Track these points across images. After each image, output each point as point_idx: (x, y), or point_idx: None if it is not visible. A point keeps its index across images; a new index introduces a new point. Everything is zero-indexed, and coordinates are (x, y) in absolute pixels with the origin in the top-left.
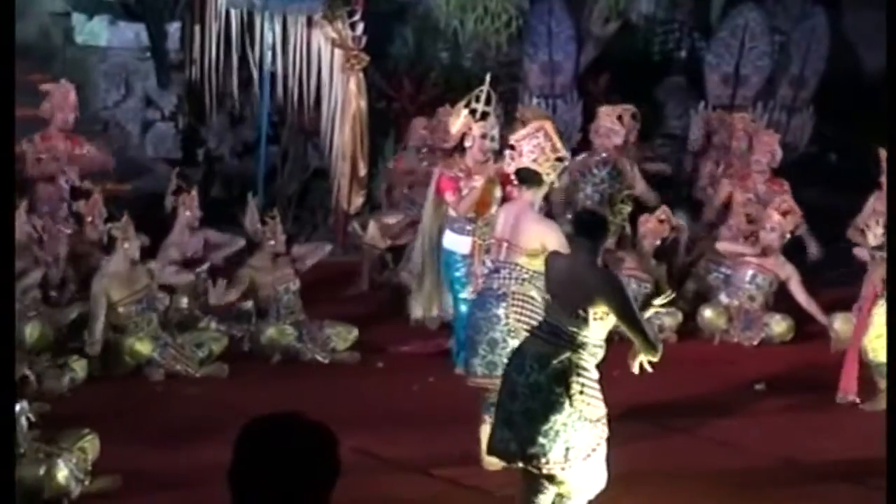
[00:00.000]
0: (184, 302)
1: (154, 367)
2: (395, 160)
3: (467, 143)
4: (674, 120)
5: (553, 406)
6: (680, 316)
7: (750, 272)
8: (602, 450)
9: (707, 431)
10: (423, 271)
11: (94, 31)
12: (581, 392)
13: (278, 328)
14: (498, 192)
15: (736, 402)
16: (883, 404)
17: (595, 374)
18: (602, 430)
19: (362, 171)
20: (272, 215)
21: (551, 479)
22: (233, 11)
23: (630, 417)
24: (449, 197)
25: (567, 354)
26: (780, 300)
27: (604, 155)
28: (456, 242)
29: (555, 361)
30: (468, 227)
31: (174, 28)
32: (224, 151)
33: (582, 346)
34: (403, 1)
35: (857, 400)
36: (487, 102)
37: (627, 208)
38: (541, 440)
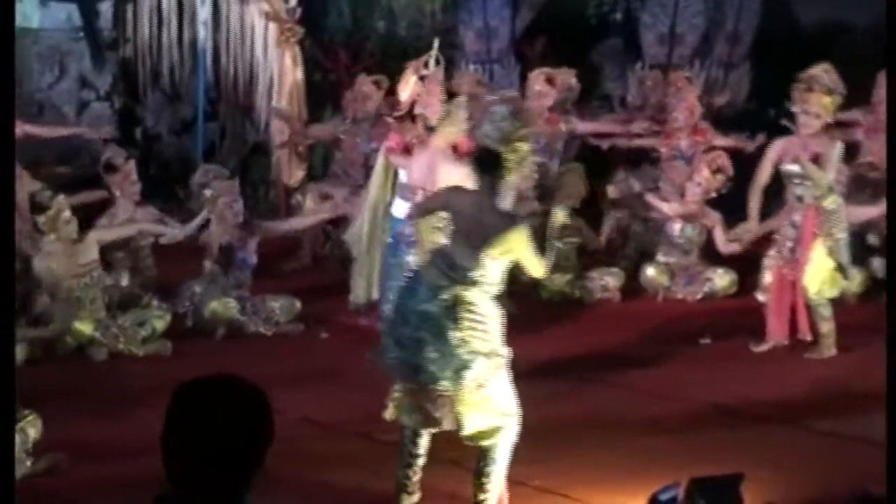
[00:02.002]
0: (124, 279)
1: (97, 347)
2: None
3: (417, 110)
4: (611, 82)
5: (441, 337)
6: (623, 275)
7: (678, 226)
8: (500, 385)
9: (647, 384)
10: (368, 246)
11: (26, 13)
12: (471, 327)
13: (221, 301)
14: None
15: (677, 355)
16: (827, 351)
17: (489, 310)
18: (497, 364)
19: (301, 145)
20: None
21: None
22: None
23: (570, 373)
24: (394, 157)
25: (458, 290)
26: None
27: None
28: (405, 209)
29: (445, 295)
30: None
31: (106, 7)
32: (162, 130)
33: (475, 283)
34: None
35: (787, 342)
36: (437, 64)
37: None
38: (430, 367)
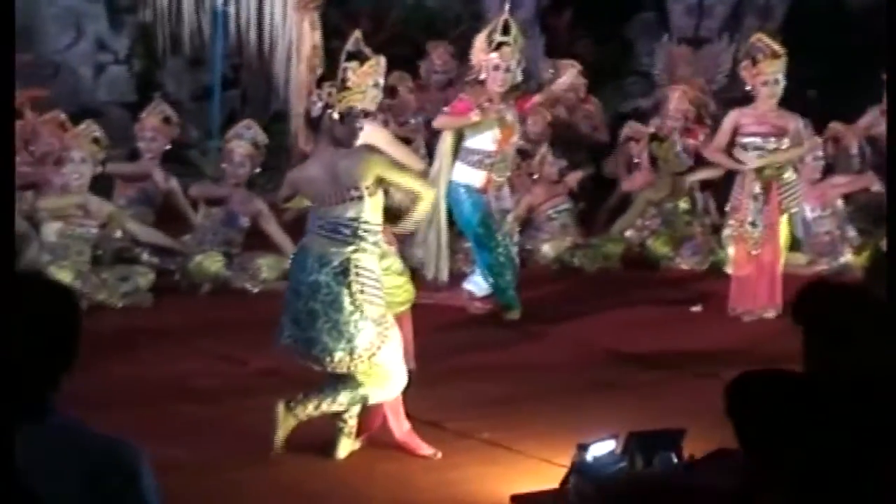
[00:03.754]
0: (117, 233)
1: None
2: None
3: (482, 76)
4: (644, 57)
5: (333, 305)
6: (623, 243)
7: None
8: (391, 348)
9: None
10: (432, 219)
11: None
12: (361, 291)
13: (208, 255)
14: (517, 125)
15: (652, 320)
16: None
17: (377, 273)
18: (385, 329)
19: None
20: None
21: (343, 377)
22: None
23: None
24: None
25: (346, 253)
26: None
27: None
28: (468, 175)
29: (334, 262)
30: (487, 161)
31: None
32: (183, 96)
33: (362, 237)
34: None
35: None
36: (505, 32)
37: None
38: (324, 339)
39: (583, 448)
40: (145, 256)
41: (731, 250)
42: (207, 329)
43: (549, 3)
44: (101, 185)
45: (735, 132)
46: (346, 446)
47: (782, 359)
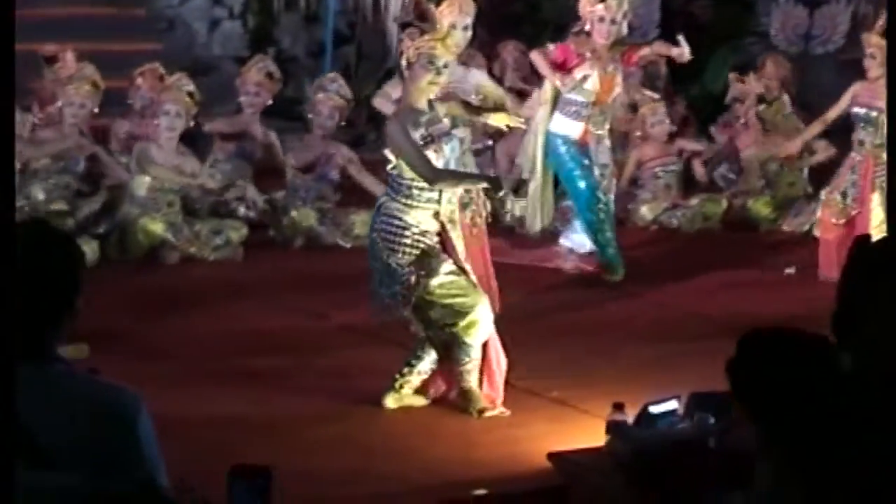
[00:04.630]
0: (212, 182)
1: (168, 249)
2: None
3: (587, 28)
4: (764, 17)
5: (380, 254)
6: (724, 203)
7: None
8: (446, 281)
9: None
10: (539, 170)
11: None
12: (403, 237)
13: (300, 211)
14: (619, 78)
15: (744, 282)
16: None
17: (406, 222)
18: (441, 261)
19: None
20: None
21: (426, 322)
22: None
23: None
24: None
25: (384, 199)
26: None
27: None
28: (566, 126)
29: (378, 214)
30: (584, 112)
31: None
32: (298, 52)
33: (400, 189)
34: None
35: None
36: None
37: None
38: (384, 289)
39: (618, 407)
40: (242, 210)
41: (818, 213)
42: (294, 284)
43: None
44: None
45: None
46: (395, 399)
47: None
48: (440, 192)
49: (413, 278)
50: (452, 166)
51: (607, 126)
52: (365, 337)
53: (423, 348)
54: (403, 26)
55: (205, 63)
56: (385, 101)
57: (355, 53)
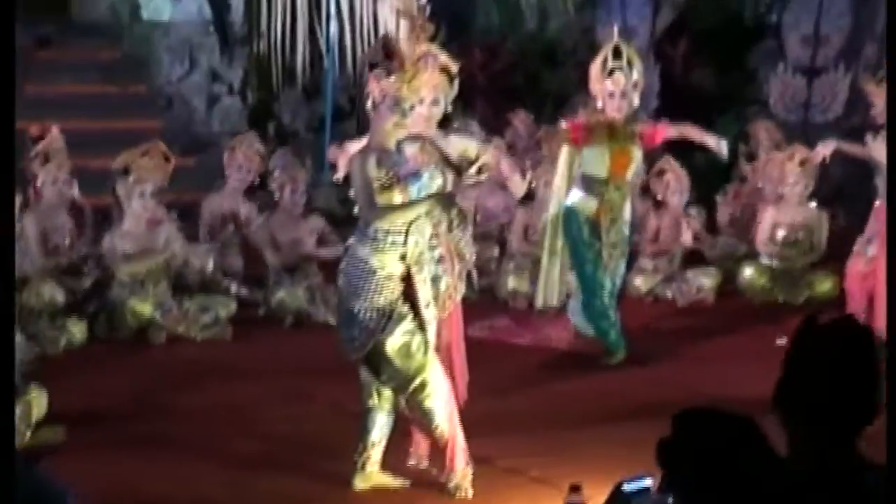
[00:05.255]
0: (210, 264)
1: (156, 329)
2: None
3: (599, 104)
4: (765, 85)
5: (344, 297)
6: (719, 276)
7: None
8: (413, 338)
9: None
10: (550, 245)
11: (159, 6)
12: (367, 281)
13: (289, 291)
14: (637, 154)
15: (733, 354)
16: None
17: (370, 266)
18: (400, 318)
19: None
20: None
21: (376, 372)
22: None
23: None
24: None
25: (352, 241)
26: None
27: None
28: (581, 201)
29: (346, 257)
30: (597, 189)
31: (237, 1)
32: (299, 126)
33: (366, 232)
34: None
35: None
36: (616, 57)
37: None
38: (344, 331)
39: (574, 489)
40: (233, 288)
41: (848, 265)
42: (282, 363)
43: (664, 33)
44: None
45: None
46: (362, 478)
47: None
48: (406, 234)
49: (371, 326)
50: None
51: (627, 204)
52: (353, 418)
53: (369, 420)
54: (371, 66)
55: (204, 139)
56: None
57: (356, 128)
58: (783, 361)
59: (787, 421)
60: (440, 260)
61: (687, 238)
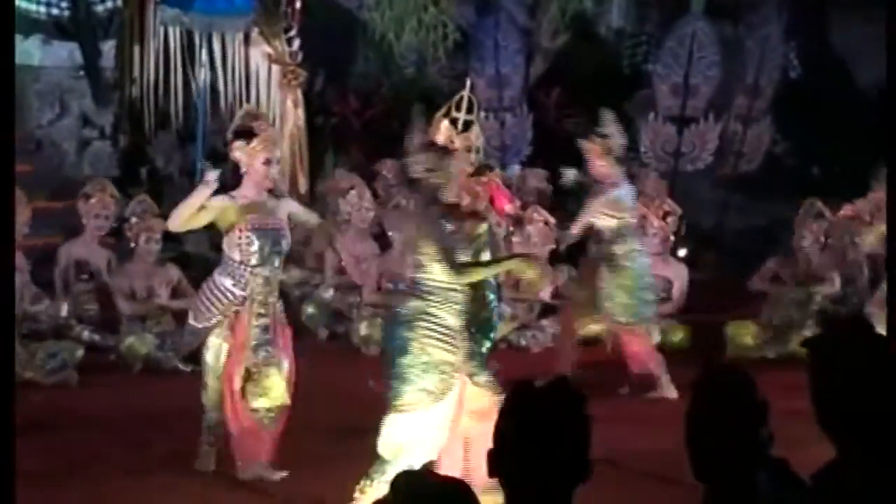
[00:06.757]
0: (64, 310)
1: None
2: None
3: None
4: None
5: (400, 350)
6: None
7: None
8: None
9: None
10: None
11: (28, 50)
12: (426, 336)
13: (139, 336)
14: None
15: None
16: None
17: (450, 321)
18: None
19: (303, 188)
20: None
21: None
22: (171, 29)
23: None
24: (509, 208)
25: (415, 302)
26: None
27: None
28: None
29: (403, 309)
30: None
31: (108, 46)
32: (173, 171)
33: (430, 291)
34: (346, 18)
35: None
36: (469, 111)
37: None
38: (394, 383)
39: None
40: (85, 334)
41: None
42: (125, 411)
43: (537, 82)
44: None
45: None
46: None
47: None
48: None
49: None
50: None
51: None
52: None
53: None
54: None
55: (74, 184)
56: None
57: (231, 172)
58: (495, 426)
59: (504, 484)
60: None
61: (545, 295)
